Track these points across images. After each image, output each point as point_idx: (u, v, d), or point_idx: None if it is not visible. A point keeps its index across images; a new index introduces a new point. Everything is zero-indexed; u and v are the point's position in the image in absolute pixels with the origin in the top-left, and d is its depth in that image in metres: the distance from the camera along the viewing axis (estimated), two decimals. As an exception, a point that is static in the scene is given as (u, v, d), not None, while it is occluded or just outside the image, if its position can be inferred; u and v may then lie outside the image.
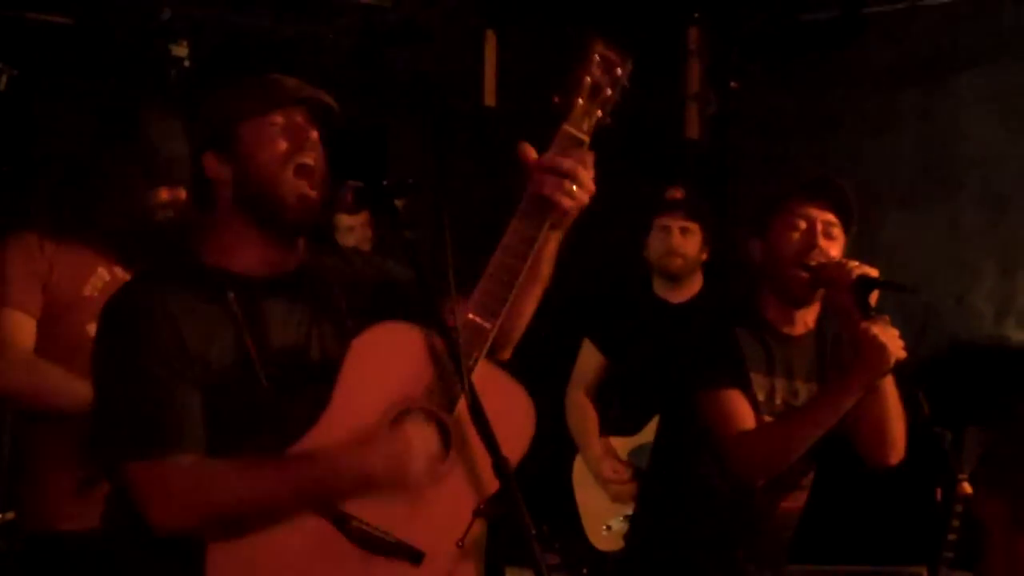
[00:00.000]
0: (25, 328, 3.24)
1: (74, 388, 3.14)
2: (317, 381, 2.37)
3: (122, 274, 3.29)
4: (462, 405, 2.33)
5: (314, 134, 2.45)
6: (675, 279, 4.86)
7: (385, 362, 2.38)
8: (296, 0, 5.44)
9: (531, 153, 2.43)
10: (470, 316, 2.37)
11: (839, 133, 5.91)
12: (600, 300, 5.06)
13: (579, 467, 5.00)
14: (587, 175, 2.41)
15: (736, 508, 3.36)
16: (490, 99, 5.80)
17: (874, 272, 3.16)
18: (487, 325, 2.38)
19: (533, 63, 5.76)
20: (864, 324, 3.11)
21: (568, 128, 2.43)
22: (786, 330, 3.36)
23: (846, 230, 3.31)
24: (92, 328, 3.19)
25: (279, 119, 2.43)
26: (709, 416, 3.26)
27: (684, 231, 4.83)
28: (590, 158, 2.44)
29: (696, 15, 6.01)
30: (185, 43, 5.19)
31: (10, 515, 3.52)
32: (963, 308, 5.58)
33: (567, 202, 2.40)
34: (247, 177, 2.42)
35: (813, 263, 3.24)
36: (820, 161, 5.84)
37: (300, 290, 2.47)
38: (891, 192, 5.78)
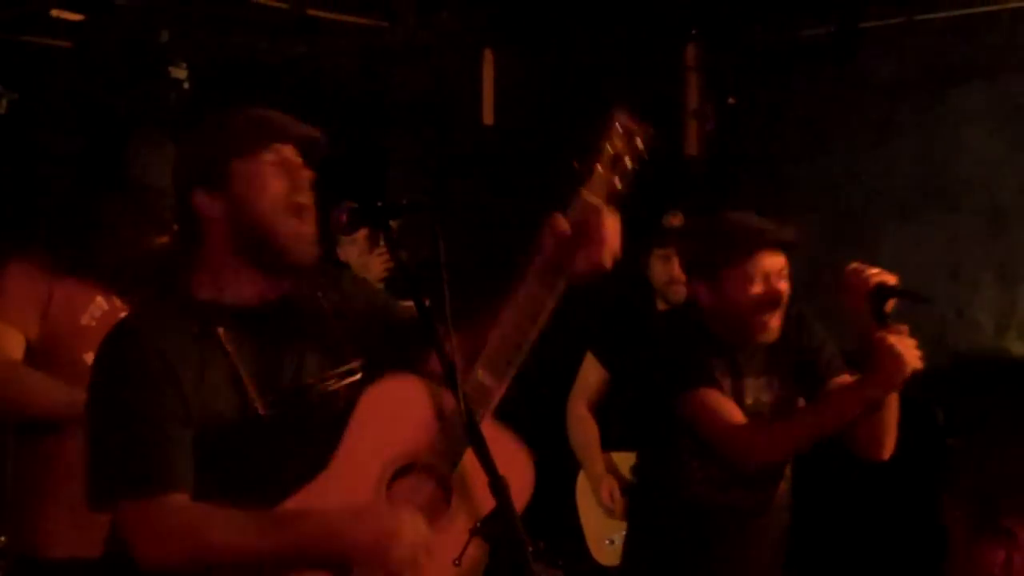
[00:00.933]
0: (12, 341, 3.23)
1: (55, 393, 3.17)
2: (316, 414, 2.38)
3: (120, 304, 3.30)
4: (465, 460, 2.34)
5: (306, 172, 2.44)
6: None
7: (392, 416, 2.39)
8: (295, 21, 5.46)
9: (562, 224, 2.41)
10: (479, 372, 2.38)
11: (838, 147, 5.91)
12: (604, 314, 5.05)
13: (583, 481, 4.99)
14: (617, 238, 2.42)
15: (722, 510, 3.37)
16: (488, 118, 5.80)
17: (892, 280, 3.14)
18: (493, 385, 2.39)
19: (531, 82, 5.78)
20: (880, 333, 3.09)
21: (585, 193, 2.44)
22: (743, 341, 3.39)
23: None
24: (90, 358, 3.20)
25: (271, 156, 2.41)
26: (695, 414, 3.27)
27: (685, 259, 4.82)
28: (615, 220, 2.45)
29: (694, 31, 6.01)
30: (184, 65, 5.21)
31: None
32: (963, 321, 5.57)
33: (606, 264, 2.42)
34: (243, 218, 2.40)
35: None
36: (819, 175, 5.85)
37: (292, 315, 2.46)
38: (890, 205, 5.78)
